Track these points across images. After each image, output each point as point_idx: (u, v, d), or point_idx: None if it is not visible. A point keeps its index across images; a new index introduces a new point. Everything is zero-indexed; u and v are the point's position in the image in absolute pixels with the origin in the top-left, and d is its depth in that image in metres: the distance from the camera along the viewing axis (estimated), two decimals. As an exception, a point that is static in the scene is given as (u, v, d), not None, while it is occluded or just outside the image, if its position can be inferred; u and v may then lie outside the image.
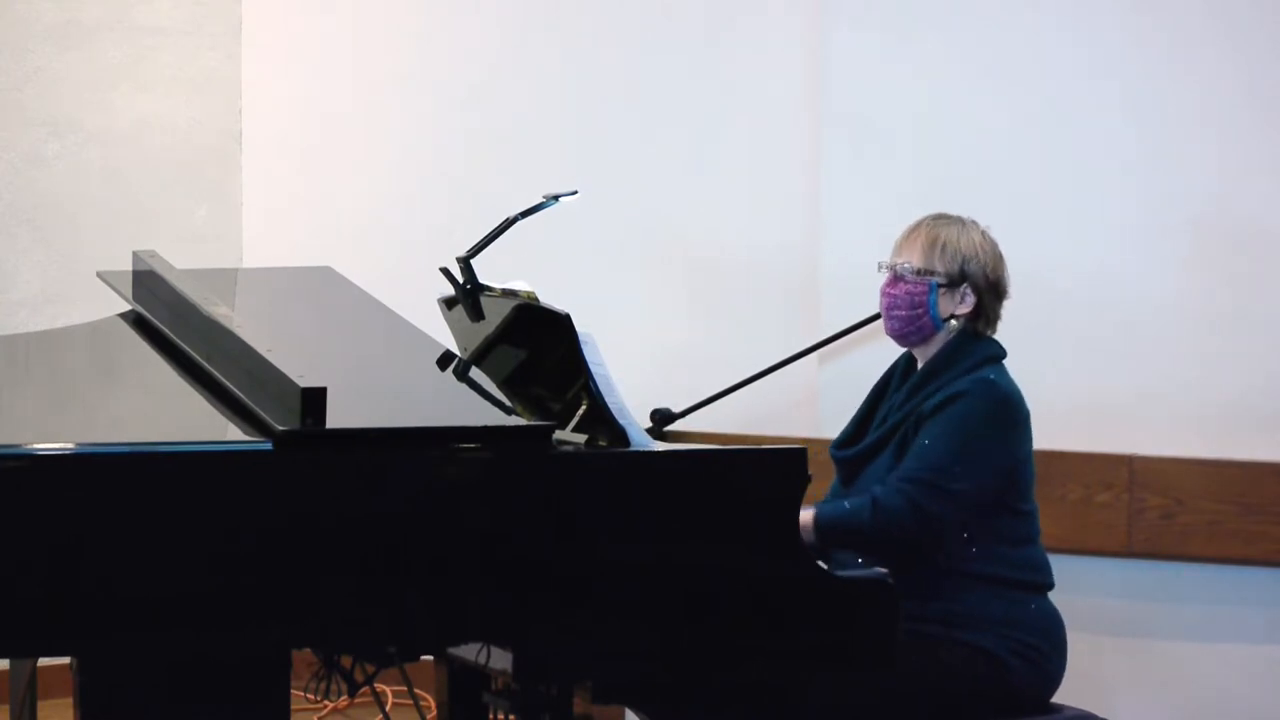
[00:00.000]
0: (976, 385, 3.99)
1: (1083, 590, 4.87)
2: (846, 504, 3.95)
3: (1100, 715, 4.02)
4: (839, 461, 4.14)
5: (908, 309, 4.06)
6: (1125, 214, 5.00)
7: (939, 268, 4.06)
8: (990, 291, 4.08)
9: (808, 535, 3.85)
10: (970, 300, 4.07)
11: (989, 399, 3.98)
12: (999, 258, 4.10)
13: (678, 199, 5.66)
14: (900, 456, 3.98)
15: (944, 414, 3.96)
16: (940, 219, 4.11)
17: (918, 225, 4.11)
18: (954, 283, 4.06)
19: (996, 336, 4.13)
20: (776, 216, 5.51)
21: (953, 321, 4.07)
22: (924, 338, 4.09)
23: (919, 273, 4.06)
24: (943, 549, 3.94)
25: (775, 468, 3.56)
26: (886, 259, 4.12)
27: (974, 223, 4.12)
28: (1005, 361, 4.09)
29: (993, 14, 5.13)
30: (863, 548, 3.93)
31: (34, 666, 4.17)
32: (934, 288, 4.06)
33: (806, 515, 3.89)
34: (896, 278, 4.08)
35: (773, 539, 3.52)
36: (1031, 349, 4.95)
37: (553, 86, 5.87)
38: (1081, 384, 5.00)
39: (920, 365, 4.12)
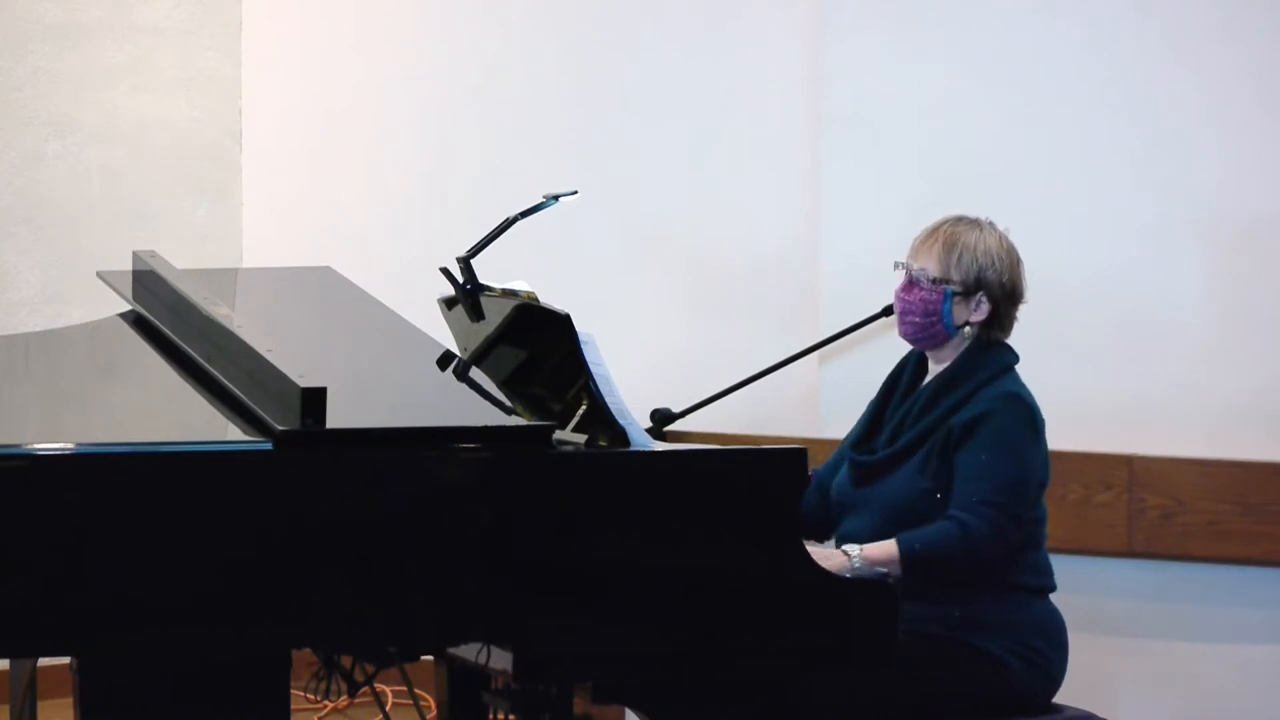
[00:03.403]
0: (1006, 401, 3.96)
1: (1083, 590, 4.86)
2: (932, 531, 3.86)
3: (1101, 715, 4.02)
4: (856, 464, 4.08)
5: (921, 316, 4.03)
6: (1126, 214, 5.00)
7: (955, 276, 4.01)
8: (1006, 299, 4.04)
9: (893, 569, 3.79)
10: (985, 308, 4.03)
11: (1022, 414, 3.96)
12: (1016, 263, 4.05)
13: (678, 199, 5.66)
14: (926, 467, 3.95)
15: (985, 435, 3.92)
16: (960, 222, 4.05)
17: (936, 229, 4.06)
18: (969, 291, 4.01)
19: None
20: (776, 217, 5.51)
21: (966, 329, 4.05)
22: (937, 343, 4.07)
23: (935, 281, 4.01)
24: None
25: (775, 468, 3.56)
26: (904, 257, 4.07)
27: (992, 225, 4.06)
28: (1016, 366, 4.08)
29: (994, 13, 5.13)
30: (946, 578, 3.88)
31: (34, 666, 4.16)
32: (949, 296, 4.01)
33: (887, 548, 3.82)
34: (912, 282, 4.04)
35: (773, 539, 3.52)
36: (1031, 349, 4.95)
37: (552, 86, 5.87)
38: (1082, 384, 5.00)
39: (931, 367, 4.10)
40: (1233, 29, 4.90)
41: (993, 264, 4.02)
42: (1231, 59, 4.91)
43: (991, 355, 4.04)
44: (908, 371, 4.15)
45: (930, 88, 5.17)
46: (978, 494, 3.89)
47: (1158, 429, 4.93)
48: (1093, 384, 5.00)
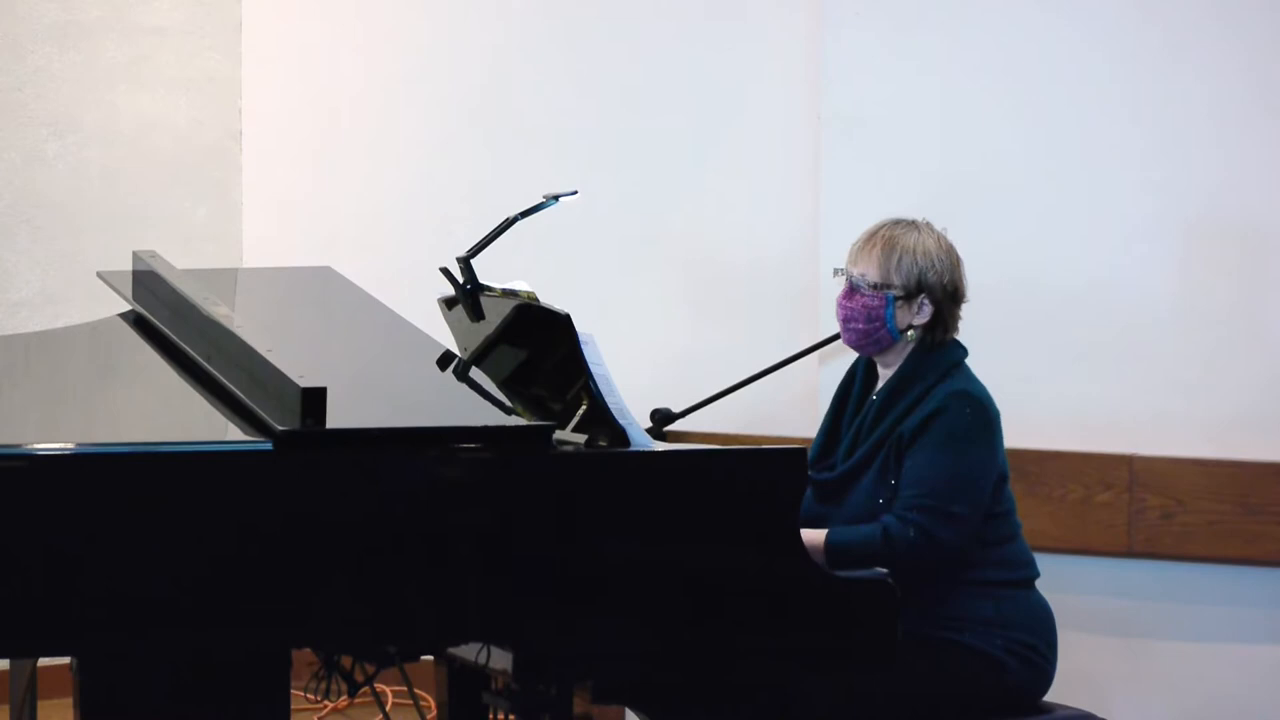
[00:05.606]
0: (951, 400, 3.95)
1: (1083, 590, 4.87)
2: (859, 530, 3.90)
3: (1099, 715, 4.02)
4: (816, 483, 4.07)
5: (864, 322, 4.03)
6: (1127, 214, 5.00)
7: (896, 280, 4.01)
8: (948, 299, 4.03)
9: (816, 557, 3.82)
10: (928, 310, 4.02)
11: (967, 412, 3.95)
12: (957, 263, 4.05)
13: (678, 200, 5.66)
14: (884, 478, 3.97)
15: (928, 435, 3.93)
16: (897, 225, 4.06)
17: (873, 234, 4.06)
18: (911, 295, 4.01)
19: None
20: (776, 217, 5.51)
21: (910, 332, 4.04)
22: (881, 348, 4.06)
23: (876, 286, 4.02)
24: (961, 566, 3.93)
25: (775, 468, 3.56)
26: (842, 264, 4.08)
27: (929, 226, 4.07)
28: (969, 361, 4.07)
29: (994, 13, 5.12)
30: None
31: (34, 666, 4.17)
32: (891, 301, 4.01)
33: (817, 536, 3.87)
34: (853, 289, 4.04)
35: (772, 539, 3.52)
36: (1032, 349, 4.97)
37: (552, 86, 5.87)
38: (1082, 384, 5.00)
39: (881, 373, 4.10)
40: (1233, 29, 4.90)
41: (933, 265, 4.02)
42: (1231, 59, 4.90)
43: (938, 356, 4.04)
44: (858, 380, 4.14)
45: (930, 88, 5.17)
46: (907, 501, 3.89)
47: (1158, 429, 4.93)
48: (1094, 384, 5.00)
